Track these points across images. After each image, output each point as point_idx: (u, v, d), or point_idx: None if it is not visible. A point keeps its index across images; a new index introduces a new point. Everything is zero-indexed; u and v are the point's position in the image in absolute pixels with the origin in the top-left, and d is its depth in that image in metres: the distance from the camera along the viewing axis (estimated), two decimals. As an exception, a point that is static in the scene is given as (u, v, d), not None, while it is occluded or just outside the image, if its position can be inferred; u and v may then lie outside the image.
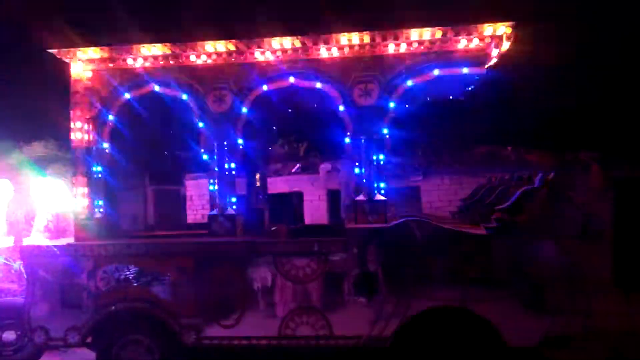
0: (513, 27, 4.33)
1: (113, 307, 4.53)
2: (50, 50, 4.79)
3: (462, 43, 4.48)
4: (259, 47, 4.61)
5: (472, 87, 5.40)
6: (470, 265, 4.23)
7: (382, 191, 4.61)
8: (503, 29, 4.33)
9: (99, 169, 4.89)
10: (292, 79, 4.72)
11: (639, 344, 5.60)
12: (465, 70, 4.56)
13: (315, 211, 11.35)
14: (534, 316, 4.10)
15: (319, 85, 4.71)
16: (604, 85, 10.09)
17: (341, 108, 4.63)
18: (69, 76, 4.91)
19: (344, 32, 4.46)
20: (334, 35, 4.49)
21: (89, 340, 4.65)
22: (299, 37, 4.53)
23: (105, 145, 4.91)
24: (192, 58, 4.73)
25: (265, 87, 4.77)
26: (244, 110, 4.77)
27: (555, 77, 9.90)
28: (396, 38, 4.46)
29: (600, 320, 5.64)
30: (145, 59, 4.78)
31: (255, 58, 4.69)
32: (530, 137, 9.28)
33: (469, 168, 9.34)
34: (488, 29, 4.34)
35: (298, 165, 12.07)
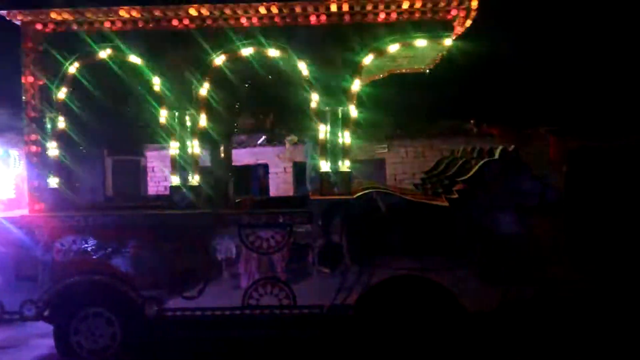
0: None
1: (71, 280, 4.43)
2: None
3: (420, 14, 4.44)
4: (222, 12, 4.46)
5: (437, 59, 5.42)
6: (431, 235, 4.33)
7: (347, 163, 4.61)
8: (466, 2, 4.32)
9: (53, 138, 4.68)
10: (255, 49, 4.60)
11: (589, 309, 5.92)
12: (429, 43, 4.55)
13: (281, 183, 11.31)
14: (491, 284, 4.25)
15: (283, 55, 4.62)
16: (563, 60, 10.35)
17: (306, 79, 4.57)
18: (20, 41, 4.64)
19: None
20: (300, 3, 4.38)
21: (46, 313, 4.54)
22: (265, 3, 4.40)
23: (59, 113, 4.69)
24: (141, 24, 4.53)
25: (227, 56, 4.64)
26: (206, 79, 4.63)
27: (517, 52, 10.07)
28: (351, 7, 4.39)
29: (553, 287, 5.92)
30: (99, 24, 4.55)
31: (216, 24, 4.54)
32: (492, 111, 9.47)
33: (432, 141, 9.48)
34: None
35: (264, 137, 11.94)
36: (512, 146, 4.55)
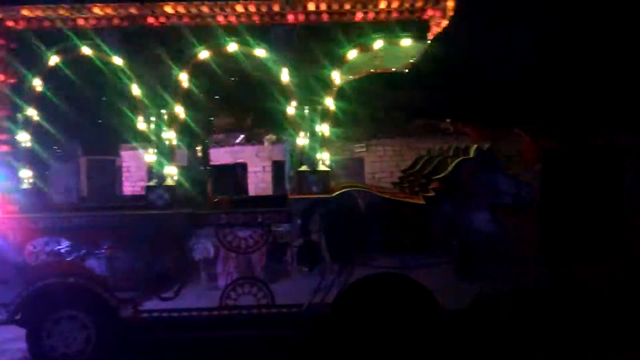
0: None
1: (44, 283, 4.33)
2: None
3: (397, 14, 4.48)
4: (198, 10, 4.42)
5: (414, 59, 5.47)
6: (409, 233, 4.38)
7: (326, 162, 4.62)
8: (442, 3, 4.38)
9: (26, 136, 4.57)
10: (233, 46, 4.58)
11: (562, 305, 6.05)
12: (407, 42, 4.59)
13: (259, 182, 11.27)
14: (466, 281, 4.31)
15: (262, 53, 4.61)
16: (538, 60, 10.53)
17: (285, 78, 4.56)
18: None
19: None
20: (265, 1, 4.37)
21: (18, 317, 4.43)
22: (243, 1, 4.38)
23: (31, 111, 4.58)
24: (117, 21, 4.46)
25: (205, 54, 4.61)
26: (183, 77, 4.59)
27: (493, 52, 10.22)
28: (329, 6, 4.41)
29: (527, 284, 6.04)
30: (74, 20, 4.46)
31: (194, 21, 4.50)
32: (468, 111, 9.60)
33: (410, 140, 9.57)
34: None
35: (242, 136, 11.88)
36: (487, 145, 4.63)
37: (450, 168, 4.46)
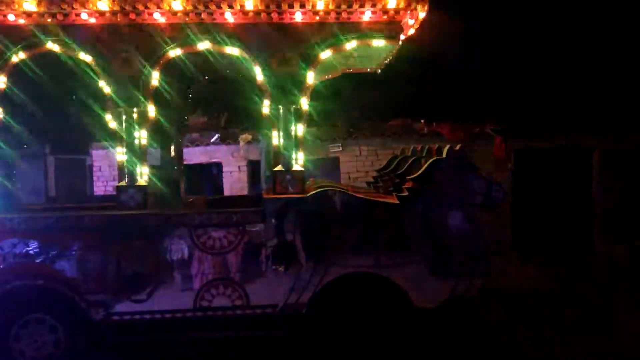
0: (420, 1, 4.40)
1: (11, 285, 4.21)
2: None
3: (370, 15, 4.49)
4: (158, 7, 4.35)
5: (388, 59, 5.51)
6: (383, 232, 4.41)
7: (301, 162, 4.62)
8: (409, 2, 4.40)
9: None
10: (206, 44, 4.54)
11: (533, 302, 6.20)
12: (379, 42, 4.62)
13: (235, 182, 11.16)
14: (439, 279, 4.37)
15: (235, 52, 4.58)
16: (509, 60, 10.75)
17: (260, 77, 4.54)
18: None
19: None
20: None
21: (-17, 321, 4.30)
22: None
23: None
24: (85, 16, 4.36)
25: (176, 52, 4.55)
26: (155, 75, 4.52)
27: (465, 52, 10.38)
28: (302, 6, 4.41)
29: (498, 282, 6.17)
30: (40, 15, 4.34)
31: (169, 18, 4.43)
32: (442, 111, 9.72)
33: (385, 140, 9.63)
34: (391, 1, 4.40)
35: (217, 135, 11.74)
36: (459, 145, 4.70)
37: (423, 168, 4.51)
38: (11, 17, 4.35)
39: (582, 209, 9.31)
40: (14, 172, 4.73)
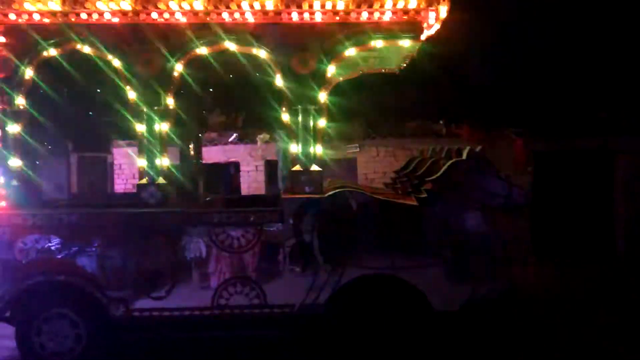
0: (442, 1, 4.37)
1: (34, 280, 4.29)
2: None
3: (390, 14, 4.47)
4: (180, 7, 4.39)
5: (408, 60, 5.48)
6: (400, 234, 4.38)
7: (319, 162, 4.62)
8: (430, 2, 4.38)
9: (16, 130, 4.51)
10: (227, 44, 4.57)
11: (552, 307, 6.10)
12: (401, 41, 4.60)
13: (252, 182, 11.23)
14: (458, 282, 4.32)
15: (255, 52, 4.60)
16: (530, 62, 10.60)
17: (278, 77, 4.55)
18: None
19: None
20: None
21: (7, 314, 4.40)
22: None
23: (22, 104, 4.52)
24: (108, 16, 4.42)
25: (197, 51, 4.59)
26: (175, 74, 4.57)
27: (485, 53, 10.27)
28: (323, 6, 4.40)
29: (518, 286, 6.08)
30: (65, 14, 4.42)
31: (182, 19, 4.47)
32: (461, 113, 9.64)
33: (402, 141, 9.58)
34: (412, 1, 4.38)
35: (235, 134, 11.82)
36: (479, 147, 4.64)
37: (443, 169, 4.48)
38: (36, 17, 4.44)
39: (603, 213, 9.14)
40: (39, 169, 4.82)
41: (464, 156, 4.53)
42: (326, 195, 4.45)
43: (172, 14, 4.45)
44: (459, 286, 4.32)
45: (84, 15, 4.43)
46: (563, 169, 9.21)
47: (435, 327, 4.38)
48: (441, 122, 9.66)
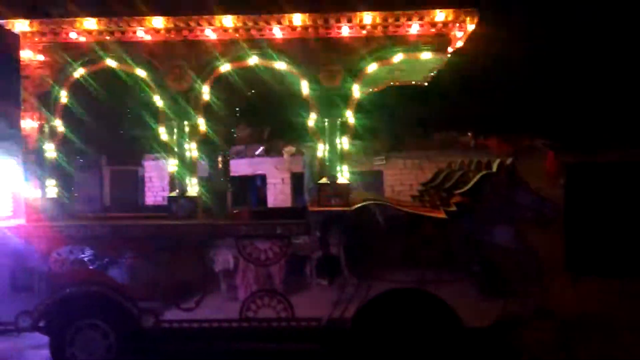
0: (469, 14, 4.35)
1: (67, 291, 4.39)
2: (-2, 21, 4.52)
3: (417, 28, 4.47)
4: (210, 24, 4.48)
5: (434, 72, 5.45)
6: (429, 248, 4.32)
7: (346, 175, 4.62)
8: (458, 15, 4.35)
9: (52, 147, 4.68)
10: (254, 59, 4.64)
11: (586, 324, 5.89)
12: (426, 55, 4.59)
13: (279, 194, 11.30)
14: (488, 298, 4.23)
15: (282, 66, 4.65)
16: (560, 74, 10.42)
17: (305, 90, 4.59)
18: (19, 50, 4.66)
19: (297, 12, 4.37)
20: (286, 15, 4.41)
21: (41, 324, 4.50)
22: (251, 15, 4.43)
23: (57, 122, 4.69)
24: (140, 34, 4.55)
25: (226, 67, 4.67)
26: (205, 89, 4.66)
27: (514, 65, 10.16)
28: (349, 21, 4.43)
29: (551, 302, 5.91)
30: (99, 33, 4.58)
31: (212, 35, 4.56)
32: (489, 124, 9.52)
33: (429, 153, 9.51)
34: (440, 14, 4.36)
35: (262, 147, 11.95)
36: (510, 159, 4.56)
37: (472, 182, 4.41)
38: (73, 35, 4.60)
39: (639, 227, 8.82)
40: (73, 182, 4.96)
41: (494, 169, 4.46)
42: (353, 207, 4.43)
43: (202, 31, 4.56)
44: (490, 302, 4.22)
45: (117, 34, 4.57)
46: (597, 182, 8.96)
47: (466, 344, 4.28)
48: (469, 133, 9.55)
